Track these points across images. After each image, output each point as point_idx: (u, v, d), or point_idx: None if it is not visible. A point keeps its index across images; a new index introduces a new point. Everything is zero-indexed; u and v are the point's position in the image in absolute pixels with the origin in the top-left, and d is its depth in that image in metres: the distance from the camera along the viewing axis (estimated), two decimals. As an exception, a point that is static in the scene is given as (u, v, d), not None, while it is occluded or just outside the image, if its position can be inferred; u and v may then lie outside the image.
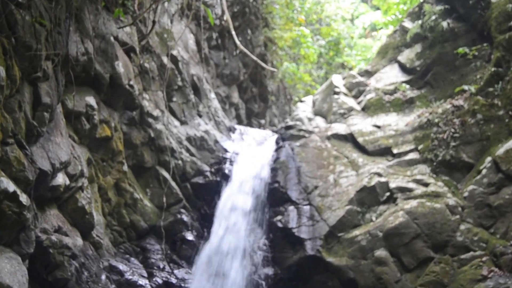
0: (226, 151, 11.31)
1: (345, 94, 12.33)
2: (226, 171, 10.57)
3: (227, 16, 14.27)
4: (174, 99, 10.93)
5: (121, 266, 8.14)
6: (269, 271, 9.17)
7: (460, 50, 10.43)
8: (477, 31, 10.66)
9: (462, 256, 8.04)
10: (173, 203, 9.92)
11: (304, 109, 13.02)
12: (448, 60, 10.90)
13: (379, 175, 9.45)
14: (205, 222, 9.87)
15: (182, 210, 9.86)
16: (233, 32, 14.52)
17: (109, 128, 8.41)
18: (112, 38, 8.39)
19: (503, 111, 8.99)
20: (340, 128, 11.23)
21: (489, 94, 9.30)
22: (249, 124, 15.83)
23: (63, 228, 6.90)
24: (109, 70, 8.28)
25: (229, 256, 9.12)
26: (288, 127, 11.88)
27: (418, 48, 11.73)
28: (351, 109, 11.72)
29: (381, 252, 8.41)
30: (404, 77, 11.69)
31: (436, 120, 9.81)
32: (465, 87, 9.80)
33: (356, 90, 12.35)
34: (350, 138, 10.89)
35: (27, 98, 5.70)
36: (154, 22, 9.53)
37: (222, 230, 9.49)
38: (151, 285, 8.39)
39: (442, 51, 11.08)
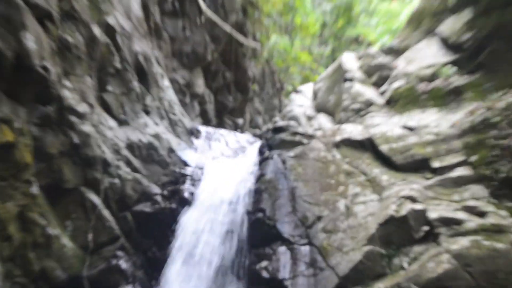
0: (185, 164, 11.36)
1: (362, 82, 12.41)
2: (186, 195, 10.54)
3: (188, -33, 14.28)
4: (109, 88, 10.91)
5: None
6: None
7: (529, 17, 10.49)
8: (552, -10, 10.76)
9: (536, 320, 8.01)
10: (106, 242, 9.85)
11: (301, 102, 13.09)
12: (510, 33, 10.92)
13: (413, 200, 9.38)
14: (154, 270, 9.80)
15: (120, 253, 9.80)
16: (197, -10, 14.52)
17: (11, 131, 8.32)
18: (17, -2, 8.33)
19: None
20: (354, 130, 11.26)
21: None
22: (221, 125, 15.90)
23: None
24: (13, 46, 8.21)
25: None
26: (278, 129, 11.93)
27: (467, 14, 11.81)
28: (370, 103, 11.81)
29: (416, 315, 8.38)
30: (448, 57, 11.78)
31: (496, 119, 9.75)
32: (537, 71, 9.83)
33: (378, 75, 12.44)
34: (369, 146, 10.93)
35: None
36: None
37: (178, 282, 9.43)
38: None
39: (503, 19, 11.13)
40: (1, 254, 8.35)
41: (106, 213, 9.94)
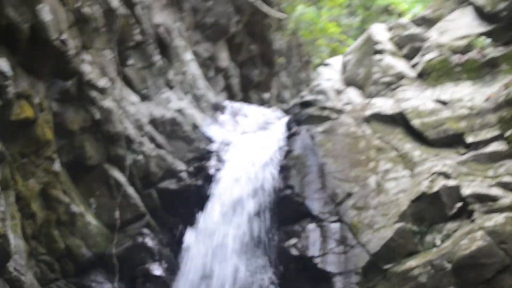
0: (211, 140, 11.32)
1: (392, 54, 12.30)
2: (212, 171, 10.54)
3: None
4: (130, 61, 10.96)
5: (52, 317, 8.15)
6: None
7: None
8: None
9: None
10: (131, 219, 9.94)
11: (329, 76, 13.01)
12: (550, 1, 10.83)
13: (446, 176, 9.37)
14: (180, 248, 9.75)
15: (145, 231, 9.86)
16: (219, -41, 14.46)
17: (31, 107, 8.36)
18: (34, -32, 8.33)
19: None
20: (385, 105, 11.23)
21: None
22: (246, 100, 15.77)
23: (-37, 259, 6.87)
24: (30, 18, 8.20)
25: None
26: (306, 104, 11.86)
27: (504, -19, 11.66)
28: (401, 76, 11.70)
29: (450, 293, 8.39)
30: (483, 27, 11.67)
31: (533, 93, 9.72)
32: None
33: (409, 47, 12.32)
34: (400, 120, 10.88)
35: None
36: None
37: (205, 259, 9.47)
38: None
39: (542, -14, 11.01)
40: (25, 232, 8.40)
41: (130, 190, 10.01)
